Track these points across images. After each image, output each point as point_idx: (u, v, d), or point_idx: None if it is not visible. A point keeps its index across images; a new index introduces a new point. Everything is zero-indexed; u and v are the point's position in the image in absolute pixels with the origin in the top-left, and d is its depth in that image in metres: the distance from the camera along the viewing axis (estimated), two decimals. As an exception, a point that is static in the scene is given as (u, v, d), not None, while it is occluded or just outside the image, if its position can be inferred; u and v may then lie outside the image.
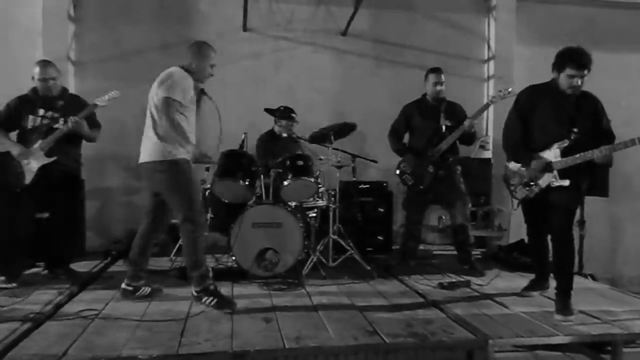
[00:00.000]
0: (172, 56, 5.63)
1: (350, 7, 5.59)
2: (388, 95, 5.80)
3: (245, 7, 5.38)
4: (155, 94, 3.23)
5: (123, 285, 3.41)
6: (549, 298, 3.42)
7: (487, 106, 4.42)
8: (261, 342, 2.60)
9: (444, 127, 4.34)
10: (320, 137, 4.41)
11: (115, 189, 5.58)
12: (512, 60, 6.09)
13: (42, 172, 3.75)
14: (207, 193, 4.48)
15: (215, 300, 3.18)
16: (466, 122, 4.23)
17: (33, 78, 3.79)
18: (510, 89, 4.17)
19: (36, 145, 3.74)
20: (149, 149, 3.26)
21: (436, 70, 4.43)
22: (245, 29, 5.74)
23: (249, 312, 3.15)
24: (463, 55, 6.20)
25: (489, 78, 6.23)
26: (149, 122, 3.28)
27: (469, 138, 4.42)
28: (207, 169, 4.59)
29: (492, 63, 6.21)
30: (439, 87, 4.38)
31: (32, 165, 3.74)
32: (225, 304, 3.19)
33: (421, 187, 4.38)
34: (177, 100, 3.14)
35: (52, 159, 3.75)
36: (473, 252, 4.55)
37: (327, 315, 3.10)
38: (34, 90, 3.84)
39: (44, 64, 3.83)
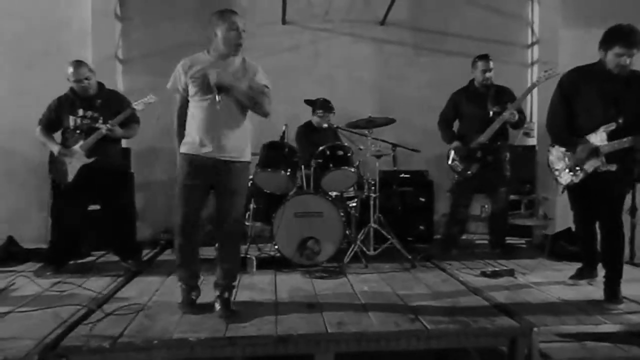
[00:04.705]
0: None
1: (389, -4, 5.55)
2: (428, 84, 5.76)
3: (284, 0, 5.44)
4: None
5: None
6: (597, 287, 3.32)
7: (532, 87, 4.39)
8: (304, 327, 2.67)
9: (491, 113, 4.32)
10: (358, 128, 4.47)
11: (162, 181, 5.77)
12: (558, 44, 5.90)
13: (84, 171, 3.87)
14: (249, 184, 4.57)
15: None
16: (506, 113, 4.21)
17: (68, 79, 3.85)
18: (556, 70, 4.07)
19: (77, 146, 3.84)
20: None
21: (484, 58, 4.39)
22: (284, 21, 5.80)
23: (293, 298, 3.23)
24: (506, 40, 6.06)
25: (532, 63, 6.06)
26: None
27: (516, 124, 4.38)
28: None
29: (536, 48, 6.05)
30: (487, 74, 4.37)
31: (74, 164, 3.86)
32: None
33: (469, 172, 4.37)
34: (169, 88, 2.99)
35: (91, 160, 3.85)
36: (517, 242, 4.52)
37: (369, 302, 3.14)
38: (72, 90, 3.91)
39: (77, 64, 3.83)
